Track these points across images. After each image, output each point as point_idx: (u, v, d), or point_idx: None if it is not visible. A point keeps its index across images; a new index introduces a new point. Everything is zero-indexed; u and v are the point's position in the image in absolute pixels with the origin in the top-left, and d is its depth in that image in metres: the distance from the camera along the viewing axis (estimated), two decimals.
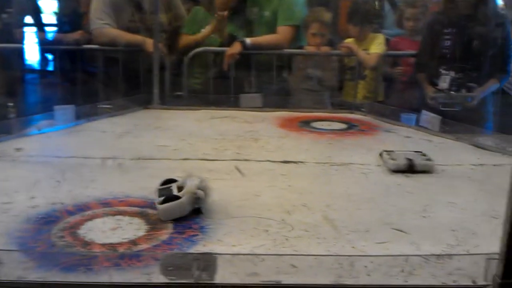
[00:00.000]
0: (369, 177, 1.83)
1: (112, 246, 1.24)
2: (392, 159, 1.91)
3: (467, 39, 3.21)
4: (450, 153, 2.18)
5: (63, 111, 2.43)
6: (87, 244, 1.25)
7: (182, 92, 3.37)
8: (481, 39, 3.19)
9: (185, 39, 3.51)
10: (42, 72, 4.57)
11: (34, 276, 1.06)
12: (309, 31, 3.52)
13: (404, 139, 2.39)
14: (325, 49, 3.55)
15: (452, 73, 3.25)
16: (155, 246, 1.25)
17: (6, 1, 3.74)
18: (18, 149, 2.00)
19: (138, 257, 1.15)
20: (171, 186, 1.47)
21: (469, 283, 1.08)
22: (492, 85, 3.33)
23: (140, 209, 1.46)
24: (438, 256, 1.18)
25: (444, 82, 3.26)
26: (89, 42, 3.53)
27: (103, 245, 1.25)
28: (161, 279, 1.07)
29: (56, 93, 3.76)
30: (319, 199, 1.60)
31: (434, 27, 3.35)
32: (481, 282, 1.07)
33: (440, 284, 1.08)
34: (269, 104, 2.94)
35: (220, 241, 1.28)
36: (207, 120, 2.66)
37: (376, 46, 3.57)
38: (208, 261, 1.11)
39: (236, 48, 3.33)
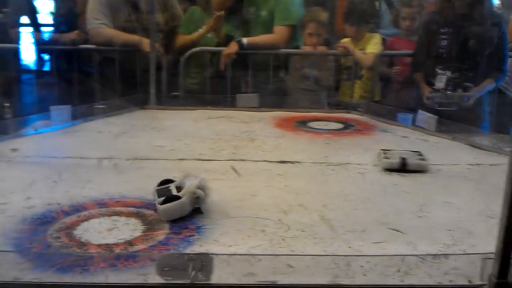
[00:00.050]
0: (366, 177, 1.84)
1: (108, 247, 1.23)
2: (386, 157, 1.92)
3: (463, 39, 3.21)
4: (446, 152, 2.19)
5: (60, 111, 2.42)
6: (83, 244, 1.25)
7: (179, 92, 3.37)
8: (477, 39, 3.20)
9: (182, 39, 3.51)
10: (38, 72, 4.55)
11: (30, 277, 1.06)
12: (305, 31, 3.52)
13: (400, 139, 2.40)
14: (321, 49, 3.55)
15: (448, 73, 3.25)
16: (152, 246, 1.25)
17: (2, 1, 3.72)
18: (14, 150, 1.99)
19: (135, 257, 1.15)
20: (169, 187, 1.47)
21: (465, 282, 1.08)
22: (488, 85, 3.34)
23: (137, 210, 1.45)
24: (434, 256, 1.19)
25: (440, 82, 3.27)
26: (86, 42, 3.52)
27: (99, 245, 1.24)
28: (157, 279, 1.07)
29: (53, 93, 3.74)
30: (316, 199, 1.60)
31: (430, 26, 3.35)
32: (477, 281, 1.07)
33: (436, 283, 1.08)
34: (265, 104, 2.94)
35: (217, 241, 1.28)
36: (203, 120, 2.66)
37: (373, 46, 3.58)
38: (204, 261, 1.11)
39: (232, 48, 3.33)
